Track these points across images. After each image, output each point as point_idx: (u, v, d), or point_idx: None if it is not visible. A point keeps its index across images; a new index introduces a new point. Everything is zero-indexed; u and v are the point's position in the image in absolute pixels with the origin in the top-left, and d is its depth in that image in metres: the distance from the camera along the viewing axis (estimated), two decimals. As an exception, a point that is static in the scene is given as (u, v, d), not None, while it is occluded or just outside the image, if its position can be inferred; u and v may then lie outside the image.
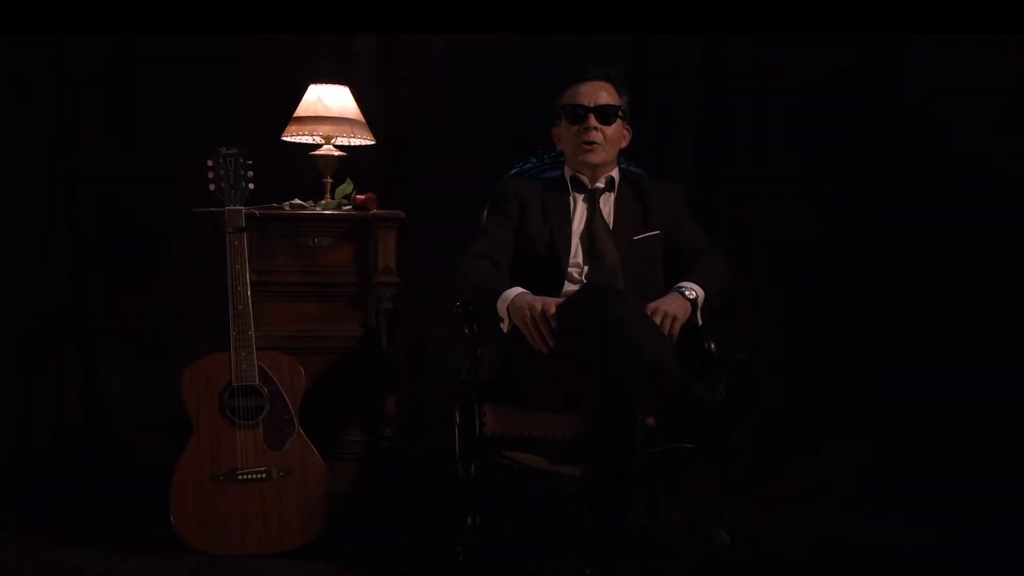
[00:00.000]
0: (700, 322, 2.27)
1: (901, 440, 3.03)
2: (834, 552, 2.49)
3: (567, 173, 2.53)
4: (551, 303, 2.13)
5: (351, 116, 2.89)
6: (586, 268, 2.40)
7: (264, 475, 2.43)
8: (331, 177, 2.87)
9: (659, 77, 3.32)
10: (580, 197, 2.49)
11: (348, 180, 2.85)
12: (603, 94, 2.45)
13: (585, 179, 2.49)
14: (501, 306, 2.21)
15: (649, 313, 2.16)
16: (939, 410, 3.00)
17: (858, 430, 3.09)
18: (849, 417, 3.11)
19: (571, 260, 2.41)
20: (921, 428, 3.01)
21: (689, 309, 2.22)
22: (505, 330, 2.25)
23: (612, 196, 2.50)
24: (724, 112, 3.31)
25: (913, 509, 2.75)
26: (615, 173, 2.53)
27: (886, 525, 2.67)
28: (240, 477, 2.42)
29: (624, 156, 2.61)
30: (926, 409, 3.02)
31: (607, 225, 2.45)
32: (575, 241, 2.43)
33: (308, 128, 2.86)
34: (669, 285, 2.31)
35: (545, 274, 2.37)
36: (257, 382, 2.47)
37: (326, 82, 2.91)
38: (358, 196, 2.78)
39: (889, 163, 3.17)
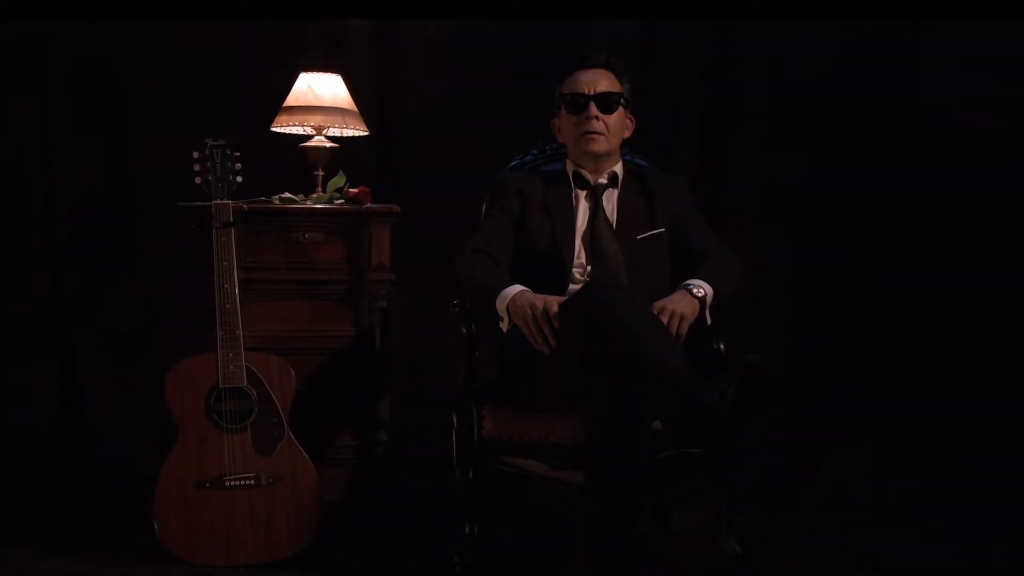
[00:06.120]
0: (709, 321, 2.22)
1: (909, 443, 3.02)
2: (849, 561, 2.46)
3: (569, 168, 2.48)
4: (553, 301, 2.09)
5: (343, 106, 2.85)
6: (589, 268, 2.35)
7: (252, 481, 2.38)
8: (323, 170, 2.82)
9: (666, 64, 3.29)
10: (583, 195, 2.43)
11: (340, 173, 2.80)
12: (604, 82, 2.40)
13: (587, 174, 2.44)
14: (500, 305, 2.16)
15: (656, 312, 2.10)
16: (950, 416, 2.99)
17: (867, 434, 3.08)
18: (859, 421, 3.09)
19: (575, 261, 2.36)
20: (928, 431, 3.01)
21: (697, 308, 2.18)
22: (505, 329, 2.21)
23: (615, 193, 2.44)
24: (733, 102, 3.28)
25: (924, 515, 2.75)
26: (619, 168, 2.47)
27: (900, 532, 2.66)
28: (227, 484, 2.37)
29: (629, 147, 2.56)
30: (934, 414, 3.01)
31: (610, 224, 2.40)
32: (578, 241, 2.38)
33: (298, 118, 2.82)
34: (676, 283, 2.25)
35: (548, 275, 2.32)
36: (245, 384, 2.42)
37: (317, 70, 2.86)
38: (351, 189, 2.74)
39: (901, 155, 3.14)
